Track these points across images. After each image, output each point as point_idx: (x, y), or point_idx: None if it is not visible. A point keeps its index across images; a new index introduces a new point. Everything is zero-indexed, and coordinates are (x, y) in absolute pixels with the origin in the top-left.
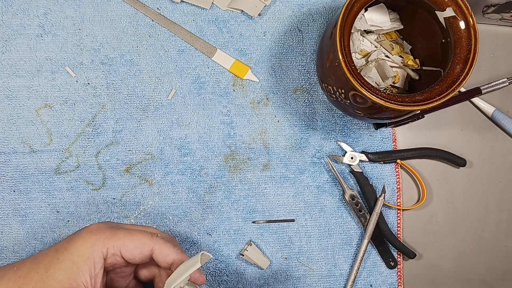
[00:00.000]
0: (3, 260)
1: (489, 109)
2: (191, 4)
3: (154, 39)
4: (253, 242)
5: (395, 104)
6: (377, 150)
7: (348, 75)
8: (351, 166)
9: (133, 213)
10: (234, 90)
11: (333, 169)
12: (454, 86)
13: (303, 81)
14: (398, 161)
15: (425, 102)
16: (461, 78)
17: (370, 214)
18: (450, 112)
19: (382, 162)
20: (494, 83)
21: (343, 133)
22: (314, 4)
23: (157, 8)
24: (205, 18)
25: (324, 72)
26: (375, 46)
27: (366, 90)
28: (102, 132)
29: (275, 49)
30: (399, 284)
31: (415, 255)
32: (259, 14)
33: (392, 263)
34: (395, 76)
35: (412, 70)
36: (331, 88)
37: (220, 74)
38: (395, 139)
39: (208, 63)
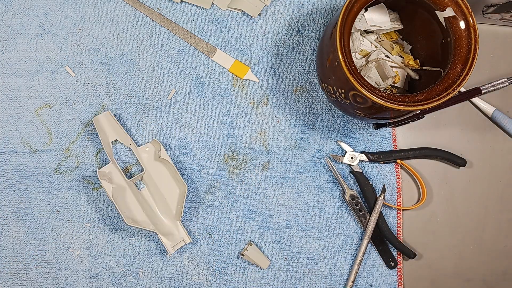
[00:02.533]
0: (3, 260)
1: (489, 109)
2: (191, 4)
3: (154, 39)
4: (253, 242)
5: (395, 104)
6: (377, 150)
7: (348, 75)
8: (351, 166)
9: None
10: (234, 90)
11: (333, 169)
12: (454, 86)
13: (303, 81)
14: (398, 161)
15: (425, 102)
16: (461, 78)
17: (370, 214)
18: (450, 112)
19: (382, 162)
20: (494, 83)
21: (343, 133)
22: (314, 4)
23: (157, 8)
24: (205, 18)
25: (324, 72)
26: (375, 46)
27: (366, 90)
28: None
29: (275, 49)
30: (399, 284)
31: (415, 255)
32: (259, 14)
33: (392, 263)
34: (395, 76)
35: (412, 70)
36: (331, 88)
37: (220, 74)
38: (395, 139)
39: (208, 63)
